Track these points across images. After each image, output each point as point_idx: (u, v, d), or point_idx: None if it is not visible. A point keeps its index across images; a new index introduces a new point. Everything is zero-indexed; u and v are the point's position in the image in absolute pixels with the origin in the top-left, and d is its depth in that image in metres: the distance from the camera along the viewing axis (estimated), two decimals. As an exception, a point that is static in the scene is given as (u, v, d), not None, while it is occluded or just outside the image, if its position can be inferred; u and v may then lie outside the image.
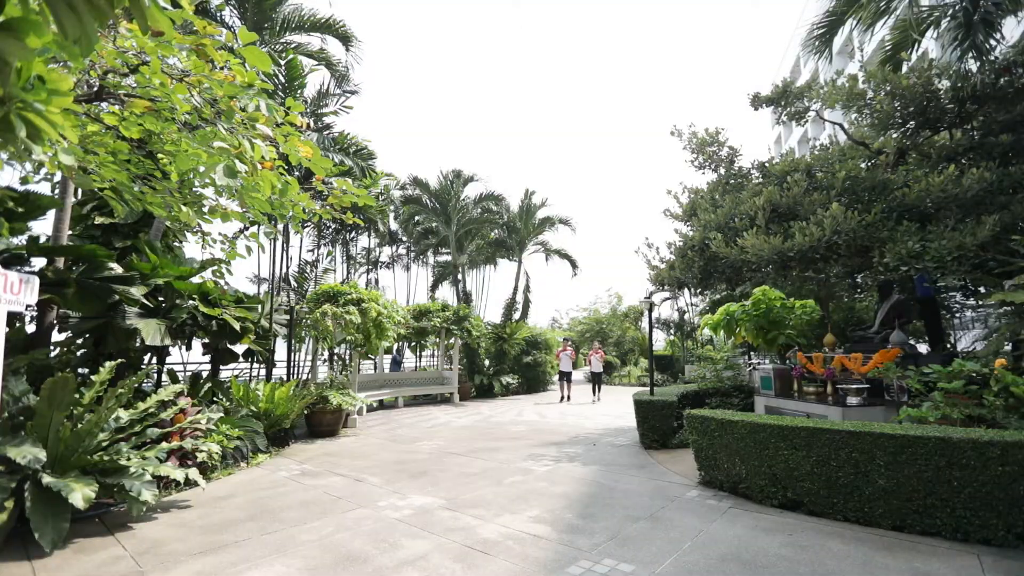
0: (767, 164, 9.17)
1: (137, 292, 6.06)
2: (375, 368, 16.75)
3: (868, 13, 7.58)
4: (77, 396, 4.69)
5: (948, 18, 7.10)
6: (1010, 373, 4.71)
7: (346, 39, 12.03)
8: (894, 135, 7.99)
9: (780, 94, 9.18)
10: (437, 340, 15.03)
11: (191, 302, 6.89)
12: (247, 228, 12.17)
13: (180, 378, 8.14)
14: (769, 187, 7.56)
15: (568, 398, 14.39)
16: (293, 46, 11.89)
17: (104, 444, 4.55)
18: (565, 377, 14.45)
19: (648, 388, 8.85)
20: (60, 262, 5.77)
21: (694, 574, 3.30)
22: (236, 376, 9.35)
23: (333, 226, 16.15)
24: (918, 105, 7.20)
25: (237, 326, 7.21)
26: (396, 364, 17.30)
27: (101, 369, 4.86)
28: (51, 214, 5.89)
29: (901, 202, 6.62)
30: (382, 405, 13.12)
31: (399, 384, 13.37)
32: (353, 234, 17.57)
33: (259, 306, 8.39)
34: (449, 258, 19.59)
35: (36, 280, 3.73)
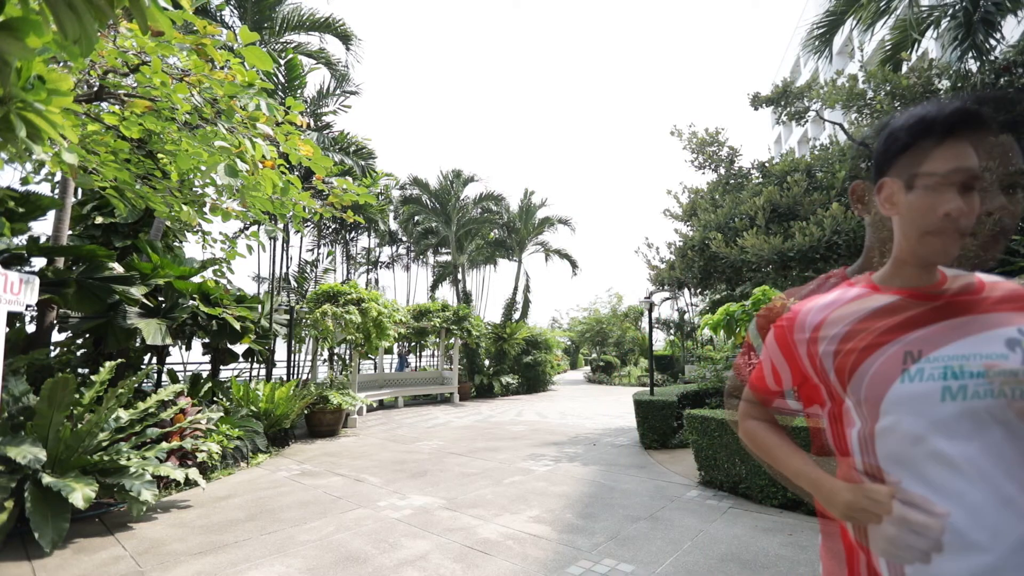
0: (767, 164, 9.17)
1: (137, 292, 6.05)
2: (375, 368, 16.76)
3: (868, 13, 7.57)
4: (77, 396, 4.69)
5: (948, 18, 7.10)
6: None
7: (346, 38, 12.02)
8: (894, 135, 7.98)
9: (780, 94, 9.19)
10: (437, 340, 15.03)
11: (191, 302, 6.88)
12: (248, 227, 12.19)
13: (180, 378, 8.15)
14: (769, 187, 7.57)
15: None
16: (293, 45, 11.88)
17: (104, 444, 4.55)
18: None
19: (648, 388, 8.85)
20: (60, 262, 5.77)
21: (694, 574, 3.31)
22: (236, 376, 9.34)
23: (333, 226, 16.15)
24: (918, 105, 7.20)
25: (237, 326, 7.21)
26: (402, 360, 17.29)
27: (101, 369, 4.86)
28: (51, 214, 5.88)
29: (901, 202, 6.62)
30: (382, 405, 13.12)
31: (399, 384, 13.37)
32: (353, 234, 17.56)
33: (259, 306, 8.39)
34: (449, 258, 19.59)
35: (36, 280, 3.73)
